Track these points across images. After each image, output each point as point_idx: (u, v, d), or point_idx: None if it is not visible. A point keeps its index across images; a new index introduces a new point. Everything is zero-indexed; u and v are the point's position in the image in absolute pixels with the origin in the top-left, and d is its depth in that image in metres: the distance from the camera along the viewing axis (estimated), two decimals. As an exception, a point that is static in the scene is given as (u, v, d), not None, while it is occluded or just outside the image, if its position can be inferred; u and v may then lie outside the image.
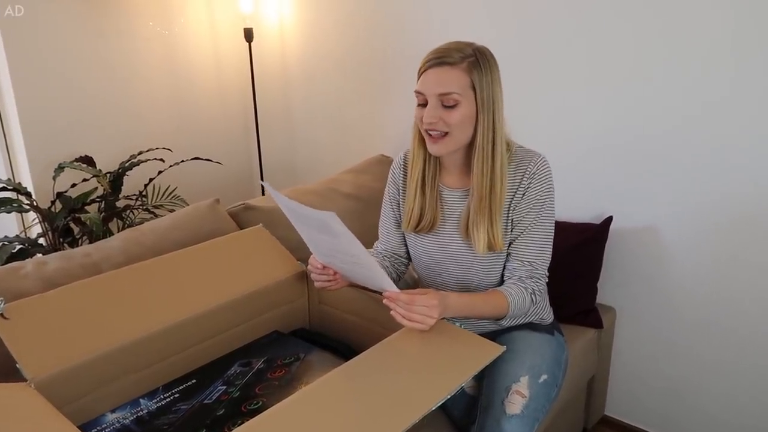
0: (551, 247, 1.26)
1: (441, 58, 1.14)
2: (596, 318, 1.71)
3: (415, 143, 1.27)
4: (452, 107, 1.15)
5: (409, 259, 1.42)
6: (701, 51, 1.50)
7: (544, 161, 1.23)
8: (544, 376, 1.21)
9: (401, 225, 1.36)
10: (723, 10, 1.44)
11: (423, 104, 1.19)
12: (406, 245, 1.39)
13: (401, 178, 1.36)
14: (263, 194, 2.53)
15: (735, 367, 1.64)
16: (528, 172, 1.22)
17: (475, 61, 1.14)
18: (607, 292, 1.80)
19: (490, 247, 1.22)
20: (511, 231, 1.25)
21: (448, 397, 0.93)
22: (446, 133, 1.17)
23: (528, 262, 1.24)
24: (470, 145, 1.21)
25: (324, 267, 1.20)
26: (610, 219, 1.71)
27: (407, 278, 1.54)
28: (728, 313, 1.62)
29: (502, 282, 1.28)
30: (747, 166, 1.50)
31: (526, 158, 1.23)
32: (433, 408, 0.90)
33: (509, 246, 1.26)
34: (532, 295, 1.23)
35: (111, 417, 1.04)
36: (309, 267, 1.23)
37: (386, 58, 2.16)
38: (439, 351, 1.05)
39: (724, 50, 1.46)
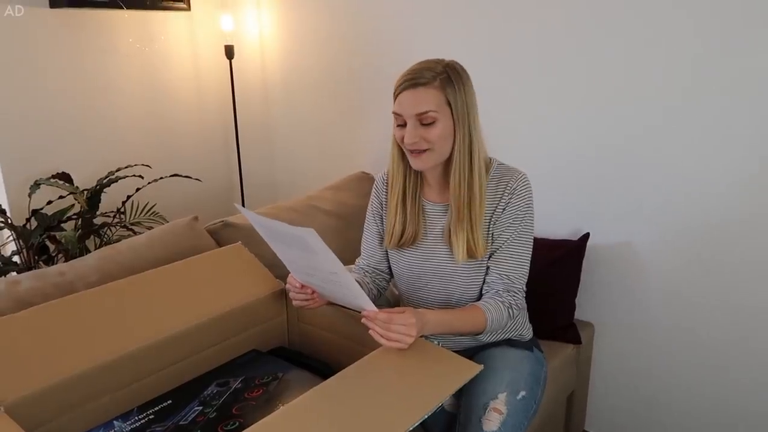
0: (529, 262, 1.28)
1: (414, 80, 1.16)
2: (575, 333, 1.73)
3: (393, 161, 1.29)
4: (430, 125, 1.17)
5: (390, 274, 1.42)
6: (680, 74, 1.53)
7: (525, 178, 1.26)
8: (523, 393, 1.22)
9: (384, 242, 1.36)
10: (695, 30, 1.48)
11: (402, 124, 1.21)
12: (388, 260, 1.40)
13: (384, 194, 1.38)
14: (243, 211, 2.51)
15: (716, 379, 1.66)
16: (509, 188, 1.24)
17: (447, 77, 1.17)
18: (585, 308, 1.82)
19: (470, 254, 1.23)
20: (491, 244, 1.26)
21: (426, 417, 0.93)
22: (428, 149, 1.19)
23: (506, 275, 1.25)
24: (449, 160, 1.23)
25: (302, 286, 1.20)
26: (587, 235, 1.73)
27: (388, 296, 1.54)
28: (708, 326, 1.64)
29: (481, 296, 1.29)
30: (721, 180, 1.53)
31: (507, 174, 1.26)
32: (410, 428, 0.90)
33: (488, 259, 1.27)
34: (509, 309, 1.24)
35: (83, 440, 1.02)
36: (287, 286, 1.23)
37: (366, 75, 2.18)
38: (416, 370, 1.05)
39: (702, 73, 1.50)
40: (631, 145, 1.64)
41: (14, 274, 1.85)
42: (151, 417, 1.08)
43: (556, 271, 1.71)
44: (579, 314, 1.80)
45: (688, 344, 1.68)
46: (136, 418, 1.08)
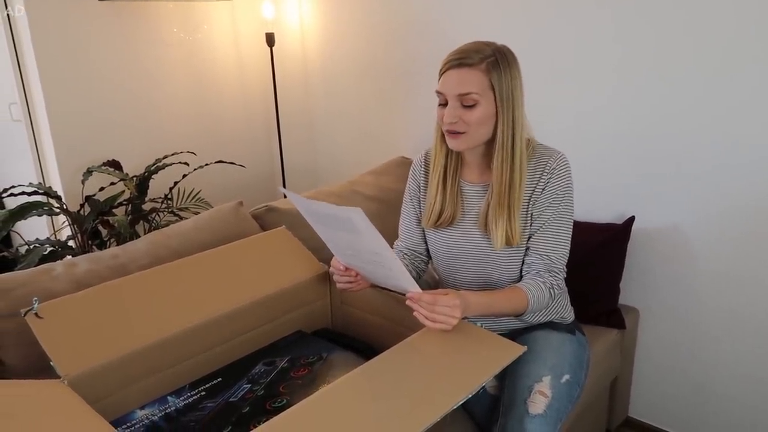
0: (569, 243, 1.27)
1: (461, 60, 1.17)
2: (619, 319, 1.70)
3: (437, 140, 1.30)
4: (471, 107, 1.17)
5: (428, 256, 1.43)
6: (723, 51, 1.48)
7: (564, 158, 1.25)
8: (567, 377, 1.21)
9: (422, 221, 1.38)
10: (743, 11, 1.42)
11: (444, 104, 1.21)
12: (426, 242, 1.41)
13: (422, 175, 1.38)
14: (285, 197, 2.55)
15: (761, 369, 1.62)
16: (548, 168, 1.23)
17: (494, 61, 1.16)
18: (630, 293, 1.79)
19: (508, 242, 1.24)
20: (530, 226, 1.26)
21: (469, 396, 0.94)
22: (464, 132, 1.20)
23: (546, 256, 1.25)
24: (491, 142, 1.23)
25: (346, 268, 1.21)
26: (632, 219, 1.70)
27: (428, 278, 1.55)
28: (754, 315, 1.59)
29: (522, 277, 1.29)
30: (773, 165, 1.48)
31: (546, 155, 1.25)
32: (454, 407, 0.91)
33: (528, 240, 1.27)
34: (551, 290, 1.24)
35: (140, 413, 1.07)
36: (331, 269, 1.25)
37: (406, 60, 2.17)
38: (460, 351, 1.06)
39: (746, 50, 1.45)
40: (679, 127, 1.59)
41: (70, 257, 1.94)
42: (202, 393, 1.13)
43: (600, 256, 1.69)
44: (624, 299, 1.77)
45: (736, 329, 1.64)
46: (189, 394, 1.12)
